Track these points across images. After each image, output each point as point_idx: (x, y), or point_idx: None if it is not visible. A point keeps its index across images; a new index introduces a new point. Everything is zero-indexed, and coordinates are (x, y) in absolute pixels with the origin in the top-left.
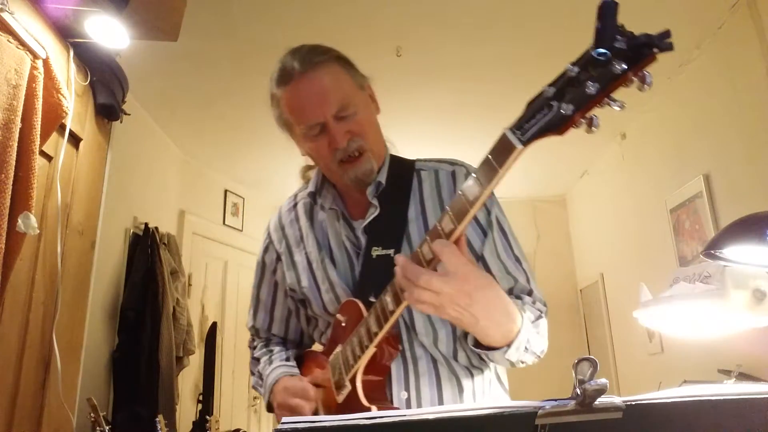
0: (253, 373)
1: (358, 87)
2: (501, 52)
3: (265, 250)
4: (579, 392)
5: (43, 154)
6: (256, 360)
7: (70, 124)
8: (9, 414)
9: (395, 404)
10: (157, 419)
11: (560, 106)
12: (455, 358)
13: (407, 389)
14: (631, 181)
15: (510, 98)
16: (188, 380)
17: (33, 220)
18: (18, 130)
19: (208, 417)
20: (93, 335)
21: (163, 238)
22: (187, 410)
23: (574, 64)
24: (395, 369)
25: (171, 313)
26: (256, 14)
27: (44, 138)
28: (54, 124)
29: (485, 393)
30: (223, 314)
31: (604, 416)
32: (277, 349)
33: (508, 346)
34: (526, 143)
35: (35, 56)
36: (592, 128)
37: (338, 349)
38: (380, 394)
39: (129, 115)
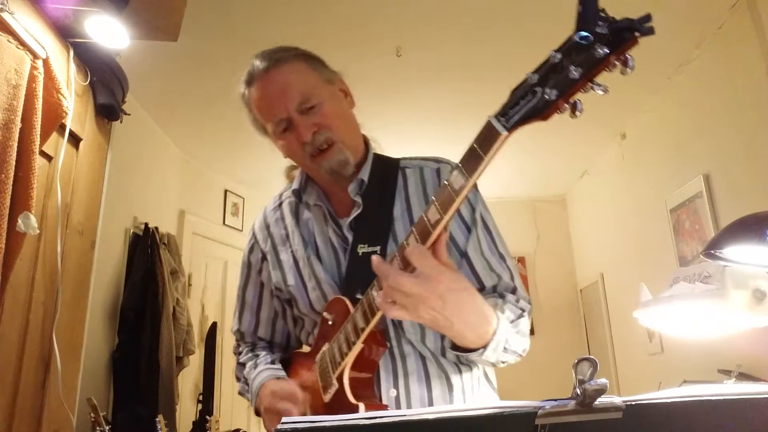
0: (239, 379)
1: (324, 81)
2: (501, 52)
3: (250, 250)
4: (579, 392)
5: (43, 154)
6: (241, 365)
7: (70, 124)
8: (9, 414)
9: (384, 402)
10: (157, 419)
11: (544, 92)
12: (443, 354)
13: (396, 387)
14: (631, 181)
15: None
16: (188, 380)
17: (33, 220)
18: (18, 130)
19: (208, 417)
20: (93, 335)
21: (163, 238)
22: (187, 410)
23: (557, 50)
24: (384, 366)
25: (171, 313)
26: (256, 14)
27: (44, 138)
28: (54, 124)
29: (474, 390)
30: (223, 314)
31: (604, 416)
32: (262, 353)
33: (484, 348)
34: (510, 129)
35: (35, 56)
36: (576, 113)
37: (325, 347)
38: (368, 392)
39: (129, 115)
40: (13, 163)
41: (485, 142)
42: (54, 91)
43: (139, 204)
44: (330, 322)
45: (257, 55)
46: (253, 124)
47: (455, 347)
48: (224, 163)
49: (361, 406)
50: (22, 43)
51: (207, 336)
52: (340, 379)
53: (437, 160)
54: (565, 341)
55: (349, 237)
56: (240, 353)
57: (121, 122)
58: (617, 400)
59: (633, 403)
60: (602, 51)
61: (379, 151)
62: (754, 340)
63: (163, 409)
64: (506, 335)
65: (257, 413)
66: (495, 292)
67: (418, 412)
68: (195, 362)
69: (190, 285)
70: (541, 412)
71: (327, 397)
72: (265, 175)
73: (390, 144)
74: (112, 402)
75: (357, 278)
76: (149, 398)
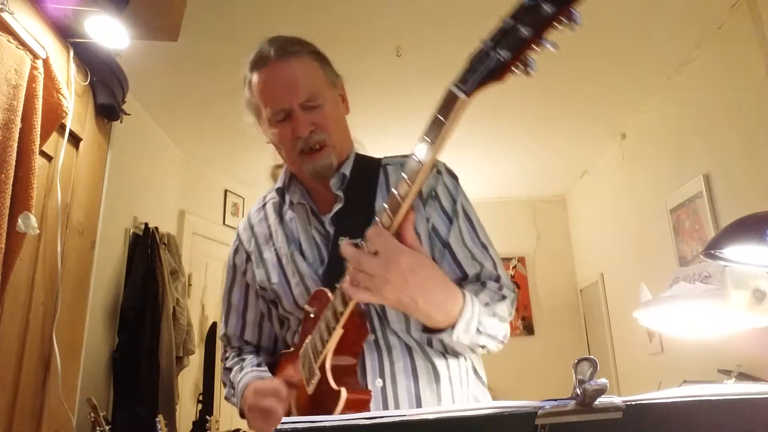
0: (225, 384)
1: (329, 83)
2: None
3: (235, 251)
4: (579, 392)
5: (43, 154)
6: (227, 370)
7: (70, 124)
8: (9, 414)
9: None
10: (157, 419)
11: (497, 54)
12: (429, 344)
13: (382, 377)
14: (631, 181)
15: (510, 98)
16: (188, 380)
17: (33, 220)
18: (18, 130)
19: (208, 417)
20: (93, 335)
21: (163, 238)
22: (187, 410)
23: (509, 16)
24: (369, 358)
25: (171, 313)
26: (256, 14)
27: (44, 138)
28: (54, 124)
29: (462, 381)
30: None
31: (604, 416)
32: (249, 357)
33: (453, 327)
34: (469, 93)
35: (35, 56)
36: (529, 70)
37: (308, 340)
38: (351, 379)
39: (129, 115)
40: (13, 163)
41: (446, 109)
42: (54, 91)
43: (139, 204)
44: (312, 315)
45: (269, 40)
46: (247, 105)
47: (425, 329)
48: (224, 163)
49: (343, 390)
50: (22, 43)
51: (207, 336)
52: (322, 367)
53: None
54: (565, 341)
55: (331, 231)
56: (226, 358)
57: (121, 122)
58: (617, 400)
59: (633, 403)
60: (549, 8)
61: (362, 152)
62: (754, 340)
63: (163, 409)
64: (478, 316)
65: (242, 415)
66: (478, 281)
67: (418, 412)
68: (195, 362)
69: (190, 285)
70: (541, 412)
71: (310, 389)
72: (265, 175)
73: (390, 144)
74: (112, 402)
75: (338, 269)
76: (149, 398)
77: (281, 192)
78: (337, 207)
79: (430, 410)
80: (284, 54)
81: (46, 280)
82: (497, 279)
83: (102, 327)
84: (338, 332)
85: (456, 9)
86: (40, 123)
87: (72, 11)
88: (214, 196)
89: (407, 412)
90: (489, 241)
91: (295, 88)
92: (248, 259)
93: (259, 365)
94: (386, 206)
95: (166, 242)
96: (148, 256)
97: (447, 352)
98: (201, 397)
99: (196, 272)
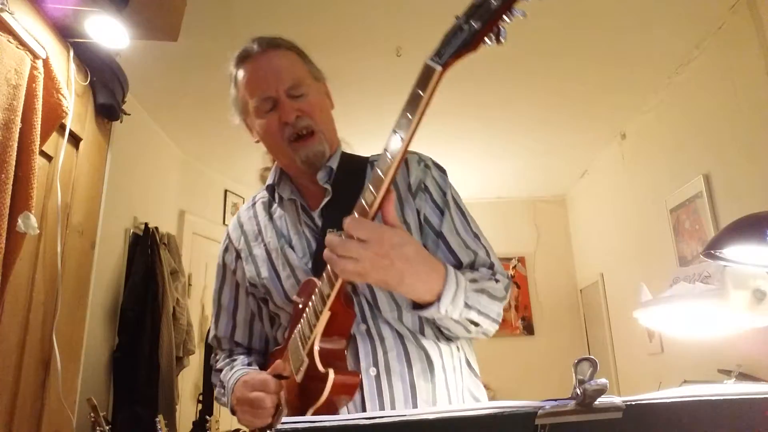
0: (215, 385)
1: (312, 76)
2: (501, 53)
3: (225, 250)
4: (579, 392)
5: (43, 154)
6: (218, 371)
7: (70, 124)
8: (9, 414)
9: (364, 381)
10: (157, 419)
11: (470, 25)
12: (422, 332)
13: (376, 365)
14: (631, 181)
15: (510, 98)
16: (188, 380)
17: (33, 220)
18: (18, 130)
19: (208, 417)
20: (93, 335)
21: (163, 238)
22: (187, 410)
23: None
24: (362, 347)
25: (171, 313)
26: (256, 14)
27: (44, 138)
28: (54, 124)
29: (456, 371)
30: None
31: (604, 416)
32: (240, 357)
33: (440, 299)
34: (444, 65)
35: (35, 56)
36: (500, 40)
37: (297, 329)
38: (340, 363)
39: (129, 115)
40: (13, 163)
41: (423, 82)
42: (54, 91)
43: (139, 204)
44: (300, 306)
45: (254, 39)
46: (234, 103)
47: (415, 306)
48: (224, 163)
49: (331, 371)
50: (22, 43)
51: (207, 336)
52: (310, 353)
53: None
54: (565, 341)
55: (320, 224)
56: (216, 361)
57: (121, 122)
58: (617, 400)
59: (633, 403)
60: None
61: (349, 152)
62: (754, 340)
63: (163, 409)
64: (465, 290)
65: (232, 411)
66: (473, 268)
67: (418, 412)
68: (195, 362)
69: (190, 285)
70: (541, 412)
71: (299, 377)
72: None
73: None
74: (112, 402)
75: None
76: (149, 398)
77: (271, 189)
78: (326, 200)
79: (429, 410)
80: (268, 47)
81: (46, 280)
82: (491, 266)
83: (102, 327)
84: (325, 315)
85: (456, 9)
86: (40, 123)
87: (72, 11)
88: (214, 196)
89: (407, 412)
90: (480, 231)
91: (279, 74)
92: (238, 257)
93: (249, 365)
94: (369, 184)
95: (166, 242)
96: (148, 256)
97: (440, 339)
98: (201, 397)
99: (196, 272)
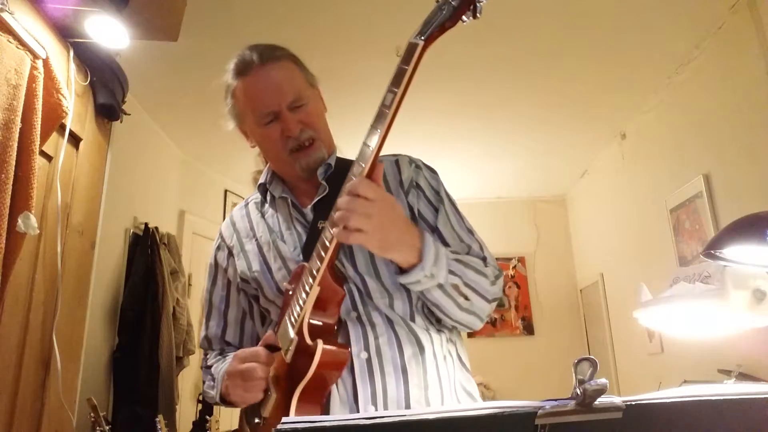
0: (204, 381)
1: (308, 83)
2: (501, 52)
3: (217, 248)
4: (579, 392)
5: (43, 154)
6: (208, 368)
7: (70, 124)
8: (9, 414)
9: (356, 364)
10: (157, 419)
11: (449, 4)
12: (412, 319)
13: (367, 349)
14: (631, 181)
15: (510, 98)
16: (188, 380)
17: (33, 220)
18: (18, 130)
19: (208, 417)
20: (93, 335)
21: (163, 238)
22: (187, 410)
23: None
24: (353, 332)
25: (171, 313)
26: (256, 14)
27: (44, 138)
28: (54, 124)
29: (447, 360)
30: None
31: (604, 416)
32: (231, 354)
33: (422, 259)
34: (426, 40)
35: (35, 56)
36: (477, 15)
37: (286, 314)
38: (330, 338)
39: (129, 115)
40: (13, 163)
41: (408, 57)
42: (54, 91)
43: (139, 204)
44: (291, 292)
45: (249, 47)
46: (230, 111)
47: (401, 271)
48: (224, 163)
49: (320, 342)
50: (22, 43)
51: None
52: (299, 331)
53: (395, 155)
54: (565, 341)
55: (311, 218)
56: (207, 359)
57: (121, 122)
58: (617, 400)
59: (633, 403)
60: None
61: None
62: (754, 340)
63: (163, 409)
64: (445, 255)
65: (222, 399)
66: None
67: (418, 412)
68: (195, 362)
69: (190, 285)
70: (541, 412)
71: (288, 357)
72: None
73: (389, 144)
74: (112, 402)
75: (315, 247)
76: (149, 398)
77: (263, 188)
78: (322, 195)
79: (430, 410)
80: (268, 59)
81: (46, 280)
82: (484, 259)
83: (102, 327)
84: (315, 290)
85: None
86: (40, 123)
87: (72, 11)
88: (214, 196)
89: (407, 412)
90: (473, 228)
91: (282, 89)
92: (230, 254)
93: None
94: (359, 161)
95: (166, 242)
96: (148, 256)
97: (430, 328)
98: (201, 397)
99: (196, 272)
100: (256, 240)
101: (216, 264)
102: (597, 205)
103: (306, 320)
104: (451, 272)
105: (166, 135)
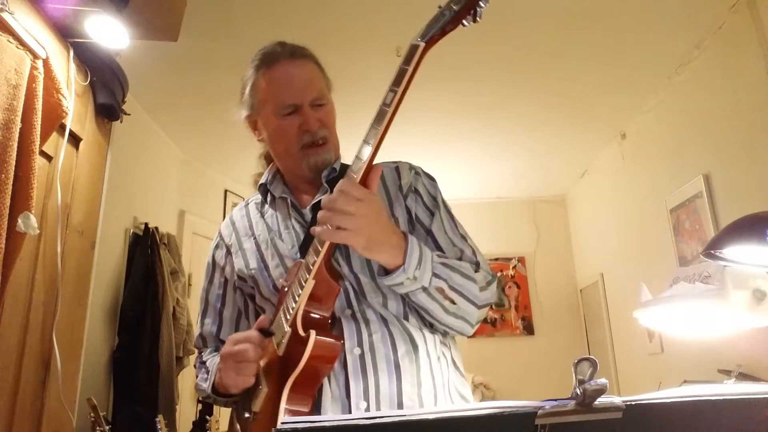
0: (197, 376)
1: (327, 87)
2: (501, 52)
3: (216, 247)
4: (579, 392)
5: (43, 154)
6: (203, 363)
7: (70, 124)
8: (9, 414)
9: (349, 360)
10: (157, 419)
11: (450, 9)
12: (406, 319)
13: (360, 345)
14: (631, 181)
15: (510, 98)
16: (188, 380)
17: (33, 220)
18: (18, 130)
19: (208, 417)
20: (93, 335)
21: (163, 238)
22: (187, 410)
23: None
24: (347, 329)
25: (171, 313)
26: (256, 14)
27: (44, 138)
28: (54, 124)
29: (441, 361)
30: None
31: (604, 416)
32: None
33: (405, 261)
34: (427, 42)
35: (35, 56)
36: (477, 19)
37: (281, 309)
38: (322, 331)
39: (129, 115)
40: (13, 163)
41: (409, 58)
42: (54, 91)
43: (139, 204)
44: (286, 289)
45: (277, 43)
46: (247, 99)
47: (386, 272)
48: (224, 163)
49: (312, 332)
50: (22, 43)
51: None
52: (293, 323)
53: (396, 161)
54: (565, 341)
55: (309, 219)
56: (202, 355)
57: (121, 122)
58: (617, 400)
59: (633, 403)
60: None
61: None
62: (754, 340)
63: (163, 409)
64: (430, 259)
65: (214, 391)
66: None
67: (418, 412)
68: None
69: (190, 285)
70: (541, 412)
71: (281, 350)
72: None
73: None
74: (112, 402)
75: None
76: (149, 398)
77: (264, 188)
78: (321, 196)
79: (430, 410)
80: (297, 55)
81: (46, 280)
82: (477, 264)
83: (102, 327)
84: (310, 284)
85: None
86: (40, 123)
87: (72, 11)
88: (214, 196)
89: (407, 412)
90: (467, 234)
91: (307, 85)
92: (228, 252)
93: None
94: (356, 157)
95: (166, 242)
96: (148, 256)
97: (424, 328)
98: (201, 397)
99: (196, 272)
100: (255, 238)
101: (214, 262)
102: (597, 205)
103: (300, 313)
104: (435, 275)
105: (166, 135)
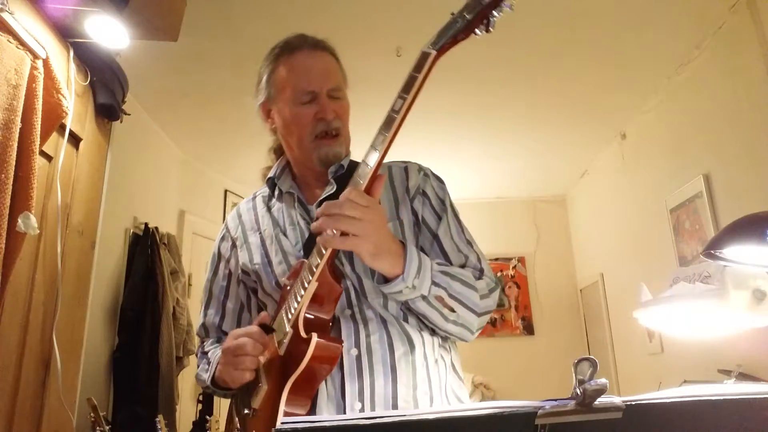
0: (198, 366)
1: (345, 83)
2: (501, 53)
3: (222, 239)
4: (579, 392)
5: (43, 154)
6: (204, 353)
7: (70, 124)
8: (9, 414)
9: (345, 360)
10: (157, 419)
11: (463, 17)
12: (406, 320)
13: (357, 346)
14: (631, 181)
15: (510, 98)
16: (188, 380)
17: (33, 220)
18: (18, 130)
19: (208, 417)
20: (93, 335)
21: (163, 238)
22: (187, 410)
23: None
24: (345, 329)
25: (171, 313)
26: (256, 14)
27: (44, 138)
28: (54, 124)
29: (439, 364)
30: None
31: (604, 416)
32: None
33: (404, 271)
34: (439, 50)
35: (35, 56)
36: (489, 28)
37: (283, 307)
38: (323, 334)
39: (129, 115)
40: (13, 163)
41: (419, 66)
42: (54, 91)
43: (139, 204)
44: (289, 287)
45: (299, 35)
46: (265, 85)
47: (386, 280)
48: (224, 163)
49: (314, 335)
50: (22, 43)
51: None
52: (295, 324)
53: (405, 161)
54: (565, 341)
55: (315, 214)
56: (204, 346)
57: (121, 122)
58: (617, 400)
59: (633, 403)
60: None
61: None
62: (754, 340)
63: (163, 409)
64: (430, 268)
65: (213, 383)
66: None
67: (418, 412)
68: (195, 362)
69: (190, 285)
70: (541, 412)
71: (282, 350)
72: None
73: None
74: (112, 402)
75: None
76: (149, 398)
77: (271, 182)
78: (329, 192)
79: (430, 410)
80: (317, 47)
81: (46, 280)
82: (480, 271)
83: (102, 327)
84: (313, 286)
85: (456, 9)
86: (40, 123)
87: (72, 11)
88: (214, 196)
89: (407, 412)
90: (473, 239)
91: (327, 75)
92: (233, 245)
93: None
94: (363, 160)
95: (166, 242)
96: (148, 256)
97: (423, 330)
98: (201, 397)
99: (196, 272)
100: (260, 233)
101: (219, 254)
102: (597, 205)
103: (302, 314)
104: (435, 284)
105: (166, 135)
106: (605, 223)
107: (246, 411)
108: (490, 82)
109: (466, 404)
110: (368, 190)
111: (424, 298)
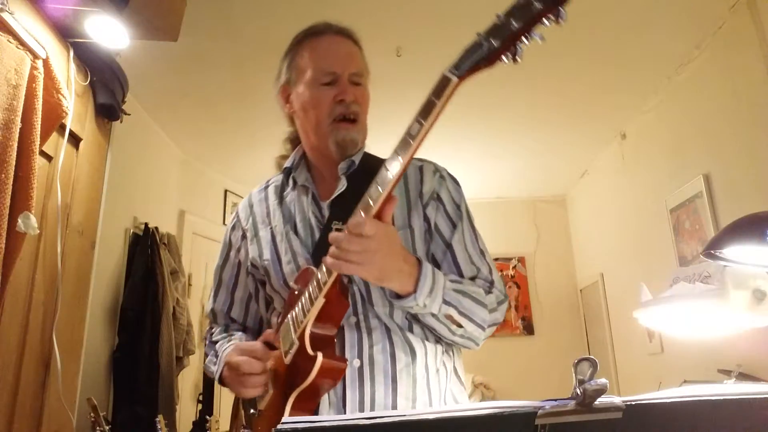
0: (207, 355)
1: (366, 72)
2: None
3: (232, 228)
4: (579, 392)
5: (43, 154)
6: (213, 343)
7: (70, 124)
8: (9, 414)
9: (347, 371)
10: (157, 419)
11: (489, 43)
12: (410, 330)
13: (360, 357)
14: (631, 181)
15: (510, 98)
16: (188, 380)
17: (33, 220)
18: (18, 130)
19: (208, 417)
20: (93, 335)
21: (163, 238)
22: (187, 410)
23: (503, 14)
24: (349, 338)
25: (171, 313)
26: (257, 14)
27: (44, 138)
28: (54, 124)
29: (440, 373)
30: None
31: (604, 416)
32: (237, 334)
33: (416, 291)
34: (461, 76)
35: (35, 56)
36: (516, 59)
37: (290, 314)
38: (329, 350)
39: (129, 115)
40: (13, 163)
41: (439, 90)
42: (54, 91)
43: (139, 204)
44: (296, 292)
45: (324, 21)
46: (287, 68)
47: (396, 296)
48: (224, 163)
49: (320, 355)
50: (22, 43)
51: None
52: (301, 337)
53: (421, 160)
54: (565, 341)
55: (327, 215)
56: (212, 333)
57: (121, 122)
58: (617, 400)
59: (633, 403)
60: (538, 6)
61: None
62: (754, 340)
63: (163, 409)
64: (442, 287)
65: (220, 381)
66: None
67: (419, 412)
68: (195, 362)
69: (190, 285)
70: (541, 412)
71: (288, 359)
72: (265, 175)
73: (389, 144)
74: (112, 402)
75: (327, 250)
76: (149, 398)
77: (288, 172)
78: (339, 191)
79: (430, 410)
80: (343, 33)
81: (46, 280)
82: (491, 283)
83: (102, 327)
84: (320, 301)
85: (456, 9)
86: (40, 123)
87: (72, 11)
88: (214, 196)
89: (407, 412)
90: (486, 249)
91: (350, 59)
92: (243, 236)
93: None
94: (377, 181)
95: (166, 242)
96: (148, 256)
97: (428, 339)
98: (201, 397)
99: (196, 272)
100: (271, 228)
101: (230, 242)
102: (597, 205)
103: (308, 330)
104: (446, 303)
105: (166, 135)
106: (605, 223)
107: (252, 411)
108: (490, 82)
109: (466, 404)
110: (379, 215)
111: (433, 315)
